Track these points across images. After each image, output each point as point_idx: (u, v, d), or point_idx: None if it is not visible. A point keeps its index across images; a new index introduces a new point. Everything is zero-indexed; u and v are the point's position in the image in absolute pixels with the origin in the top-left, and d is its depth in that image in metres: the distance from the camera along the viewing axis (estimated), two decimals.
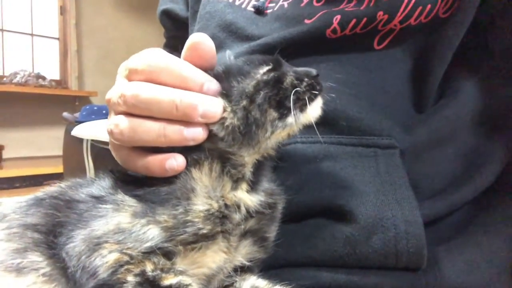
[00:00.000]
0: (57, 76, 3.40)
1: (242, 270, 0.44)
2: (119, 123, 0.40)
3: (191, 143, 0.39)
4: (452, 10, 0.53)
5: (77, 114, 1.83)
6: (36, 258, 0.39)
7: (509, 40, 0.56)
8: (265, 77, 0.42)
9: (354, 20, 0.54)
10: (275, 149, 0.46)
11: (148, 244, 0.38)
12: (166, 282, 0.37)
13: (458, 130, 0.55)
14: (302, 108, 0.42)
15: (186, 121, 0.39)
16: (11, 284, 0.37)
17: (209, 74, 0.41)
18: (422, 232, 0.46)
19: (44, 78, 3.13)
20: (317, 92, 0.43)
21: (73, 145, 1.72)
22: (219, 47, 0.63)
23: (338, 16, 0.54)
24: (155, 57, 0.40)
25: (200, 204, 0.40)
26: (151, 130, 0.39)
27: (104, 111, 2.02)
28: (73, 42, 3.37)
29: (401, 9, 0.52)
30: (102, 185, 0.44)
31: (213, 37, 0.64)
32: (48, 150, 2.95)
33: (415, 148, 0.52)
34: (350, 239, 0.47)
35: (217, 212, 0.40)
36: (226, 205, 0.41)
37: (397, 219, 0.46)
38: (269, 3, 0.65)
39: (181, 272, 0.38)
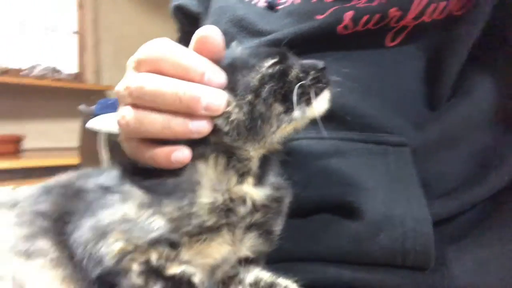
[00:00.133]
0: (74, 70, 3.45)
1: (246, 262, 0.45)
2: (126, 114, 0.41)
3: (196, 136, 0.40)
4: (466, 7, 0.52)
5: (93, 107, 1.85)
6: (44, 244, 0.40)
7: None
8: (270, 71, 0.41)
9: (366, 17, 0.53)
10: (282, 144, 0.45)
11: (153, 235, 0.38)
12: (170, 271, 0.38)
13: (471, 129, 0.54)
14: (308, 101, 0.41)
15: (191, 114, 0.39)
16: (21, 267, 0.38)
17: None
18: (431, 230, 0.45)
19: (61, 72, 3.19)
20: (323, 86, 0.43)
21: (88, 137, 1.75)
22: (231, 42, 0.63)
23: (350, 12, 0.54)
24: (159, 47, 0.40)
25: (205, 196, 0.40)
26: (156, 122, 0.39)
27: None
28: (91, 37, 3.41)
29: (414, 6, 0.51)
30: (111, 176, 0.45)
31: (224, 32, 0.64)
32: (65, 142, 3.00)
33: (426, 146, 0.52)
34: (356, 236, 0.47)
35: (222, 205, 0.40)
36: (231, 199, 0.41)
37: (405, 217, 0.46)
38: None
39: (186, 262, 0.39)
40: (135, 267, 0.37)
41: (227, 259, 0.43)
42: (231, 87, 0.41)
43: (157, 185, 0.41)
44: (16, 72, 3.02)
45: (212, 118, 0.40)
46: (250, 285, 0.44)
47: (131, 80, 0.41)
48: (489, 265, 0.48)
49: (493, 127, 0.55)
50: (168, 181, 0.41)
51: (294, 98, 0.40)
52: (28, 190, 0.46)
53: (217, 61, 0.42)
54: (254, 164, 0.43)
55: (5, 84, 2.86)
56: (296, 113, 0.41)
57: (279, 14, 0.63)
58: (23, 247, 0.39)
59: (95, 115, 1.95)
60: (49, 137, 3.19)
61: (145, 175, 0.42)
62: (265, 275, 0.45)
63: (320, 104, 0.43)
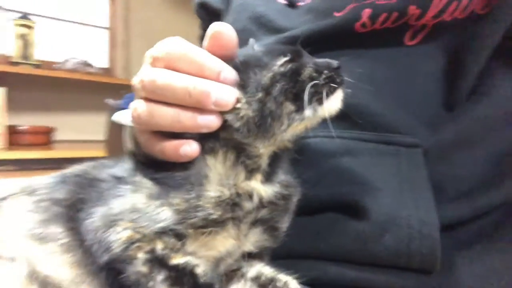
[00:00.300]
0: (105, 65, 3.53)
1: (250, 256, 0.45)
2: (138, 107, 0.42)
3: (205, 130, 0.40)
4: (491, 6, 0.50)
5: (120, 101, 1.90)
6: (57, 229, 0.42)
7: None
8: (282, 69, 0.42)
9: (384, 14, 0.52)
10: (293, 142, 0.46)
11: (160, 225, 0.39)
12: (174, 261, 0.39)
13: (489, 131, 0.53)
14: (320, 101, 0.41)
15: (201, 109, 0.40)
16: (35, 250, 0.40)
17: (228, 64, 0.42)
18: (437, 234, 0.45)
19: (93, 66, 3.27)
20: (336, 85, 0.43)
21: (115, 130, 1.79)
22: (250, 39, 0.64)
23: (368, 10, 0.53)
24: (175, 45, 0.41)
25: (212, 190, 0.41)
26: (167, 115, 0.40)
27: None
28: (121, 32, 3.49)
29: (435, 4, 0.50)
30: (124, 167, 0.47)
31: (244, 29, 0.65)
32: (94, 134, 3.07)
33: (441, 148, 0.51)
34: (361, 235, 0.47)
35: (228, 200, 0.41)
36: (238, 194, 0.42)
37: (412, 219, 0.45)
38: None
39: (190, 253, 0.40)
40: (141, 255, 0.38)
41: (231, 252, 0.43)
42: (242, 85, 0.41)
43: (167, 177, 0.42)
44: (50, 65, 3.12)
45: (222, 114, 0.41)
46: (252, 279, 0.45)
47: (144, 74, 0.42)
48: (498, 274, 0.47)
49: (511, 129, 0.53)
50: (177, 174, 0.42)
51: (305, 98, 0.40)
52: (46, 178, 0.48)
53: (230, 57, 0.42)
54: (264, 161, 0.43)
55: (39, 77, 2.96)
56: (308, 112, 0.41)
57: (299, 11, 0.63)
58: (37, 232, 0.41)
59: (121, 109, 2.00)
60: (79, 130, 3.28)
61: (156, 167, 0.44)
62: (267, 270, 0.45)
63: (332, 103, 0.42)
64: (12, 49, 2.98)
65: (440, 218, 0.47)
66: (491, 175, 0.52)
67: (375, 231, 0.46)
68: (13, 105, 2.71)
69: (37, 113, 3.15)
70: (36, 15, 3.13)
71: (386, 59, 0.55)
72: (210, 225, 0.40)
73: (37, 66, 3.00)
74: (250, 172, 0.43)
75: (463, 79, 0.52)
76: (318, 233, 0.50)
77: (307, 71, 0.42)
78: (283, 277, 0.44)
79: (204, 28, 0.94)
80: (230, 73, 0.41)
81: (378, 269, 0.47)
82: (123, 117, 1.58)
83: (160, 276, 0.37)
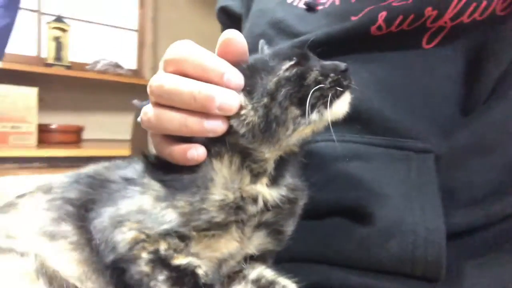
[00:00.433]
0: (133, 66, 3.62)
1: (252, 259, 0.45)
2: (148, 111, 0.43)
3: (211, 135, 0.41)
4: (511, 8, 0.49)
5: (145, 102, 1.93)
6: (67, 227, 0.43)
7: None
8: (287, 74, 0.42)
9: (400, 17, 0.52)
10: (300, 146, 0.46)
11: (165, 226, 0.40)
12: (177, 261, 0.39)
13: (506, 136, 0.51)
14: (326, 105, 0.41)
15: (207, 113, 0.40)
16: (46, 247, 0.42)
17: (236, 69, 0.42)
18: (443, 241, 0.44)
19: (123, 68, 3.35)
20: (343, 89, 0.42)
21: (139, 130, 1.84)
22: (269, 44, 0.64)
23: (384, 13, 0.53)
24: (181, 48, 0.42)
25: (217, 194, 0.41)
26: (174, 120, 0.41)
27: None
28: (150, 35, 3.56)
29: (453, 5, 0.49)
30: (136, 168, 0.48)
31: (263, 34, 0.65)
32: (121, 134, 3.15)
33: (454, 153, 0.50)
34: (365, 241, 0.46)
35: (232, 203, 0.41)
36: (242, 197, 0.42)
37: (417, 226, 0.45)
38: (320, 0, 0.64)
39: (193, 254, 0.41)
40: (144, 255, 0.39)
41: (234, 254, 0.44)
42: (249, 90, 0.42)
43: (174, 179, 0.43)
44: (81, 66, 3.22)
45: (228, 119, 0.41)
46: (252, 281, 0.45)
47: (154, 79, 0.43)
48: (508, 285, 0.45)
49: None
50: (184, 176, 0.43)
51: (308, 103, 0.40)
52: (62, 177, 0.50)
53: (240, 63, 0.43)
54: (270, 165, 0.44)
55: (70, 78, 3.06)
56: (313, 116, 0.41)
57: (318, 15, 0.63)
58: (49, 229, 0.43)
59: None
60: (106, 129, 3.37)
61: (165, 169, 0.44)
62: (268, 273, 0.45)
63: (339, 107, 0.42)
64: (46, 51, 3.10)
65: (451, 225, 0.46)
66: (506, 182, 0.51)
67: (380, 237, 0.46)
68: (44, 104, 2.81)
69: (68, 113, 3.26)
70: (69, 18, 3.24)
71: (402, 62, 0.54)
72: (214, 228, 0.41)
73: (68, 67, 3.11)
74: (256, 176, 0.43)
75: (482, 82, 0.51)
76: (323, 237, 0.49)
77: (313, 74, 0.42)
78: (282, 281, 0.44)
79: None
80: (234, 76, 0.41)
81: (383, 275, 0.46)
82: None
83: (162, 276, 0.38)
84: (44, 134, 2.85)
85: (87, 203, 0.45)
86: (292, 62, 0.42)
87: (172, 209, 0.41)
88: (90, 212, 0.44)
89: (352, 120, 0.44)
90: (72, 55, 3.18)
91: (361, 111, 0.44)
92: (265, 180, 0.44)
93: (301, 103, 0.41)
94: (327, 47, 0.55)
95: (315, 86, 0.41)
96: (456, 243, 0.45)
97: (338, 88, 0.42)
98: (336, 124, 0.43)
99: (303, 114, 0.41)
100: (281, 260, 0.48)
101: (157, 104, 0.43)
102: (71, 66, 3.12)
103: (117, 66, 3.30)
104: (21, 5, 2.84)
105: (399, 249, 0.45)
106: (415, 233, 0.45)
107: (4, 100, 2.61)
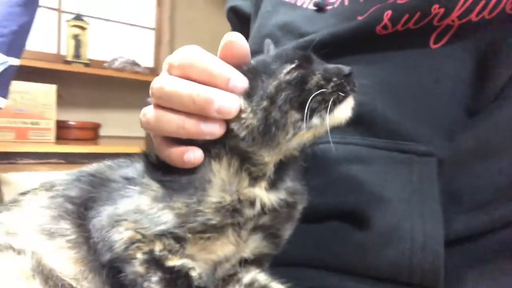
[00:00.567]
0: (150, 64, 3.65)
1: (248, 262, 0.45)
2: (147, 112, 0.43)
3: (208, 137, 0.41)
4: None
5: None
6: (66, 225, 0.44)
7: None
8: (287, 77, 0.41)
9: (406, 15, 0.50)
10: (300, 150, 0.45)
11: (161, 227, 0.40)
12: (171, 262, 0.39)
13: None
14: (327, 110, 0.40)
15: (205, 116, 0.40)
16: (44, 245, 0.42)
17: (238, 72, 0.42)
18: (441, 249, 0.43)
19: (139, 65, 3.38)
20: (346, 93, 0.41)
21: None
22: (276, 45, 0.63)
23: (390, 11, 0.51)
24: (188, 53, 0.41)
25: (214, 196, 0.41)
26: (172, 121, 0.41)
27: None
28: (167, 33, 3.59)
29: (460, 3, 0.48)
30: (136, 168, 0.48)
31: (270, 35, 0.64)
32: (137, 131, 3.18)
33: (458, 157, 0.48)
34: (363, 246, 0.46)
35: (228, 206, 0.41)
36: (239, 200, 0.42)
37: (415, 232, 0.44)
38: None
39: (188, 256, 0.41)
40: (139, 255, 0.39)
41: (230, 257, 0.44)
42: (249, 93, 0.41)
43: (173, 180, 0.43)
44: (99, 64, 3.26)
45: (227, 121, 0.41)
46: (246, 285, 0.44)
47: (155, 81, 0.43)
48: None
49: None
50: (183, 177, 0.43)
51: (306, 108, 0.39)
52: (64, 175, 0.51)
53: (241, 66, 0.42)
54: (269, 169, 0.43)
55: (88, 75, 3.11)
56: (314, 121, 0.40)
57: (326, 16, 0.62)
58: (48, 227, 0.43)
59: None
60: (123, 126, 3.41)
61: (165, 169, 0.44)
62: (261, 277, 0.45)
63: (341, 112, 0.41)
64: (65, 49, 3.15)
65: (453, 230, 0.45)
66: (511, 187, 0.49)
67: (377, 243, 0.45)
68: (62, 101, 2.86)
69: (86, 110, 3.31)
70: (88, 16, 3.29)
71: (408, 63, 0.53)
72: (210, 230, 0.41)
73: (87, 64, 3.15)
74: (255, 179, 0.43)
75: (491, 83, 0.49)
76: (321, 241, 0.49)
77: (315, 78, 0.41)
78: (275, 285, 0.44)
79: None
80: (240, 81, 0.40)
81: (380, 282, 0.45)
82: None
83: (155, 277, 0.38)
84: (62, 131, 2.90)
85: (87, 201, 0.45)
86: (293, 65, 0.42)
87: (169, 210, 0.41)
88: (90, 211, 0.44)
89: (354, 122, 0.43)
90: (90, 52, 3.23)
91: (364, 113, 0.43)
92: (264, 183, 0.43)
93: (302, 107, 0.40)
94: (332, 47, 0.54)
95: (316, 91, 0.40)
96: (458, 249, 0.44)
97: (340, 93, 0.41)
98: (338, 126, 0.42)
99: (303, 119, 0.40)
100: (277, 264, 0.47)
101: (157, 106, 0.43)
102: (89, 64, 3.17)
103: (135, 64, 3.33)
104: (42, 3, 2.89)
105: (396, 256, 0.44)
106: (412, 240, 0.44)
107: (24, 96, 2.66)
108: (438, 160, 0.47)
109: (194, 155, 0.41)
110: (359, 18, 0.55)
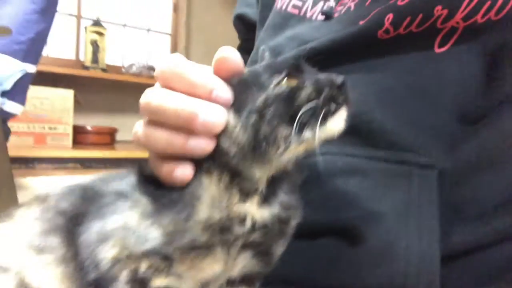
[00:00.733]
0: None
1: (237, 281, 0.44)
2: (138, 130, 0.42)
3: (197, 154, 0.39)
4: None
5: None
6: (55, 240, 0.43)
7: None
8: (276, 90, 0.39)
9: (408, 18, 0.48)
10: (294, 164, 0.43)
11: (148, 245, 0.39)
12: (156, 283, 0.38)
13: None
14: (319, 123, 0.39)
15: (191, 131, 0.38)
16: (29, 262, 0.41)
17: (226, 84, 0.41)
18: (437, 269, 0.41)
19: (155, 70, 3.42)
20: (338, 105, 0.39)
21: None
22: (281, 55, 0.62)
23: (391, 15, 0.49)
24: (170, 63, 0.40)
25: (202, 212, 0.40)
26: (161, 139, 0.40)
27: None
28: (182, 38, 3.62)
29: (465, 3, 0.45)
30: (130, 181, 0.47)
31: (276, 45, 0.63)
32: None
33: (460, 168, 0.46)
34: (355, 265, 0.44)
35: (217, 223, 0.40)
36: (228, 217, 0.40)
37: (410, 251, 0.42)
38: (339, 6, 0.62)
39: (175, 275, 0.39)
40: (124, 274, 0.38)
41: (218, 276, 0.42)
42: (237, 107, 0.39)
43: (163, 195, 0.42)
44: (116, 69, 3.31)
45: (216, 137, 0.39)
46: None
47: (144, 95, 0.42)
48: None
49: None
50: (174, 192, 0.41)
51: (296, 122, 0.37)
52: (60, 187, 0.50)
53: (231, 78, 0.41)
54: (261, 184, 0.42)
55: (105, 80, 3.15)
56: (306, 135, 0.38)
57: (331, 23, 0.60)
58: (36, 242, 0.43)
59: None
60: None
61: (158, 182, 0.43)
62: None
63: (333, 125, 0.39)
64: (83, 54, 3.21)
65: (456, 243, 0.43)
66: None
67: (370, 261, 0.43)
68: (79, 106, 2.90)
69: (103, 115, 3.36)
70: (106, 21, 3.34)
71: (411, 68, 0.50)
72: (197, 249, 0.39)
73: (104, 70, 3.20)
74: (246, 195, 0.41)
75: (499, 88, 0.47)
76: (313, 259, 0.47)
77: (305, 90, 0.39)
78: None
79: (242, 39, 0.94)
80: (223, 92, 0.39)
81: None
82: None
83: None
84: (79, 135, 2.95)
85: (77, 216, 0.45)
86: (282, 77, 0.40)
87: (156, 226, 0.40)
88: (80, 226, 0.43)
89: (352, 132, 0.41)
90: (108, 58, 3.27)
91: (362, 123, 0.41)
92: (255, 199, 0.42)
93: (292, 121, 0.38)
94: (331, 54, 0.52)
95: (306, 103, 0.38)
96: (459, 265, 0.42)
97: (332, 105, 0.39)
98: (331, 139, 0.40)
99: (294, 133, 0.38)
100: (268, 283, 0.46)
101: (147, 122, 0.42)
102: (106, 69, 3.22)
103: (151, 69, 3.37)
104: (62, 10, 2.95)
105: (389, 276, 0.42)
106: (407, 259, 0.42)
107: (43, 102, 2.72)
108: (439, 172, 0.45)
109: (183, 172, 0.40)
110: (361, 22, 0.53)
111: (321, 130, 0.38)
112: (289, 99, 0.38)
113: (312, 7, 0.63)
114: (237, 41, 0.93)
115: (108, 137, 3.18)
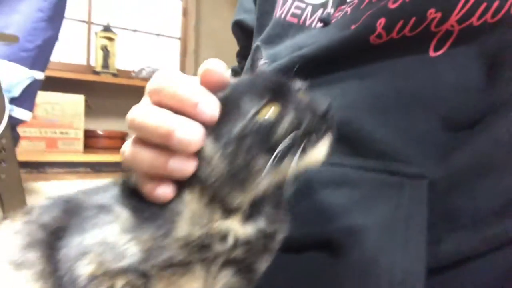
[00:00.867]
0: None
1: None
2: (125, 150, 0.41)
3: (177, 177, 0.38)
4: None
5: None
6: (34, 255, 0.42)
7: None
8: (254, 121, 0.37)
9: (401, 22, 0.46)
10: (275, 187, 0.41)
11: (125, 262, 0.38)
12: None
13: None
14: (299, 153, 0.36)
15: (174, 151, 0.37)
16: (9, 277, 0.41)
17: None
18: (421, 285, 0.39)
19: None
20: (318, 136, 0.38)
21: None
22: (277, 59, 0.61)
23: (383, 19, 0.48)
24: (160, 78, 0.39)
25: (181, 229, 0.38)
26: (145, 160, 0.38)
27: None
28: (192, 42, 3.64)
29: (459, 6, 0.44)
30: (113, 193, 0.46)
31: (275, 54, 0.62)
32: None
33: (453, 176, 0.44)
34: (338, 280, 0.42)
35: (196, 240, 0.38)
36: (208, 234, 0.39)
37: (395, 266, 0.40)
38: (337, 12, 0.60)
39: None
40: None
41: None
42: (217, 132, 0.38)
43: (145, 209, 0.40)
44: (126, 74, 3.33)
45: (197, 159, 0.38)
46: None
47: (130, 112, 0.40)
48: None
49: None
50: (155, 207, 0.40)
51: (274, 156, 0.35)
52: (44, 200, 0.50)
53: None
54: (244, 206, 0.40)
55: (115, 85, 3.18)
56: (286, 165, 0.37)
57: (328, 28, 0.59)
58: (16, 257, 0.42)
59: None
60: None
61: (141, 196, 0.42)
62: None
63: (315, 155, 0.37)
64: (94, 60, 3.25)
65: (446, 253, 0.42)
66: (509, 202, 0.44)
67: (354, 276, 0.41)
68: (90, 111, 2.93)
69: (114, 119, 3.39)
70: (116, 27, 3.38)
71: (404, 73, 0.48)
72: (175, 266, 0.38)
73: (115, 75, 3.23)
74: (229, 212, 0.40)
75: (496, 92, 0.45)
76: (297, 273, 0.45)
77: (284, 123, 0.37)
78: None
79: (240, 46, 0.93)
80: (208, 106, 0.37)
81: None
82: None
83: None
84: (90, 140, 2.98)
85: (59, 230, 0.44)
86: (261, 105, 0.38)
87: (136, 242, 0.38)
88: (61, 240, 0.43)
89: (341, 142, 0.39)
90: (118, 63, 3.30)
91: (351, 131, 0.39)
92: (238, 216, 0.40)
93: (273, 149, 0.36)
94: (323, 60, 0.51)
95: (285, 136, 0.36)
96: (449, 276, 0.40)
97: (313, 136, 0.37)
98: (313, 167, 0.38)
99: (273, 161, 0.36)
100: None
101: (134, 140, 0.41)
102: (117, 74, 3.24)
103: None
104: (72, 16, 2.99)
105: None
106: (391, 275, 0.40)
107: (55, 107, 2.76)
108: (429, 182, 0.43)
109: (164, 191, 0.38)
110: (352, 27, 0.51)
111: (300, 161, 0.37)
112: (267, 131, 0.37)
113: (311, 15, 0.62)
114: None
115: (119, 141, 3.20)
